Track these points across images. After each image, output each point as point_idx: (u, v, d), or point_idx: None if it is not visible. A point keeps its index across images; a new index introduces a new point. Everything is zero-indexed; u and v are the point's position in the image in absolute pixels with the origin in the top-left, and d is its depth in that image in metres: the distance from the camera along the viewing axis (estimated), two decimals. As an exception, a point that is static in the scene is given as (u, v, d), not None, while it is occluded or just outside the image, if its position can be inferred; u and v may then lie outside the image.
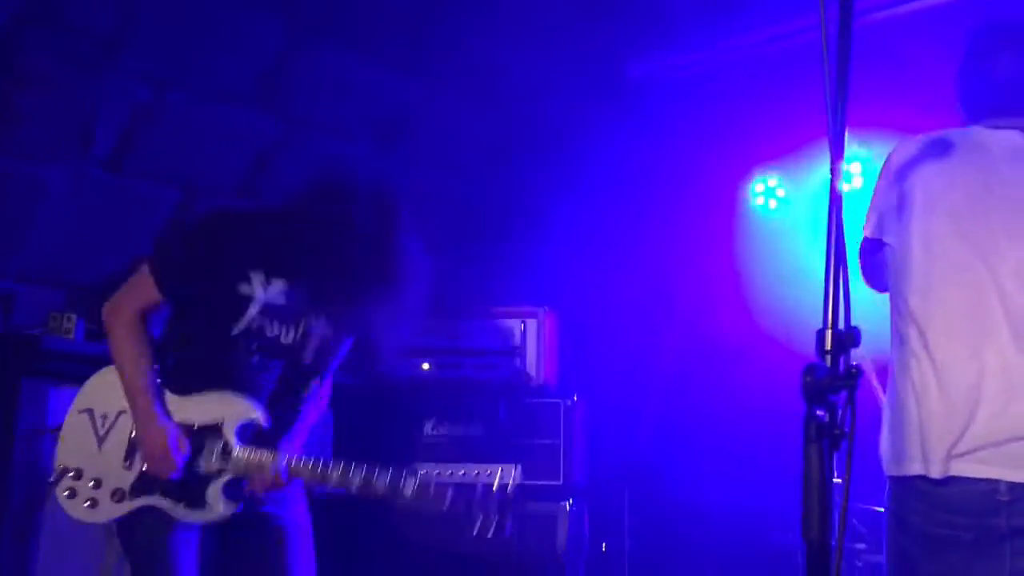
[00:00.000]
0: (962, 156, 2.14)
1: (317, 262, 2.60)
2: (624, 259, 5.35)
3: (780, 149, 5.03)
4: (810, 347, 1.44)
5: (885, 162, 2.21)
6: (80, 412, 2.64)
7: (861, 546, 3.96)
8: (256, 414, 2.58)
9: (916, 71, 3.95)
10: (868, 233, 2.20)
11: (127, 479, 2.55)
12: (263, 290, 2.58)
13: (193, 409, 2.57)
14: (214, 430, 2.56)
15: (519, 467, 2.56)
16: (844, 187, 1.50)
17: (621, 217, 5.34)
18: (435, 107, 5.08)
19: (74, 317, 3.93)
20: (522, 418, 4.47)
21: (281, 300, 2.61)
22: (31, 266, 4.19)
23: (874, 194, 2.21)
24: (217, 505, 2.53)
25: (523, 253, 5.26)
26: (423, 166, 5.17)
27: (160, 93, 4.22)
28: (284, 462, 2.54)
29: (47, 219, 4.15)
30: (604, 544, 4.76)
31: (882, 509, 2.16)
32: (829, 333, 1.43)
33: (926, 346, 2.06)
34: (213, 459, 2.54)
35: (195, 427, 2.56)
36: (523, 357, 4.57)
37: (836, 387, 1.40)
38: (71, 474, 2.57)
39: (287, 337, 2.63)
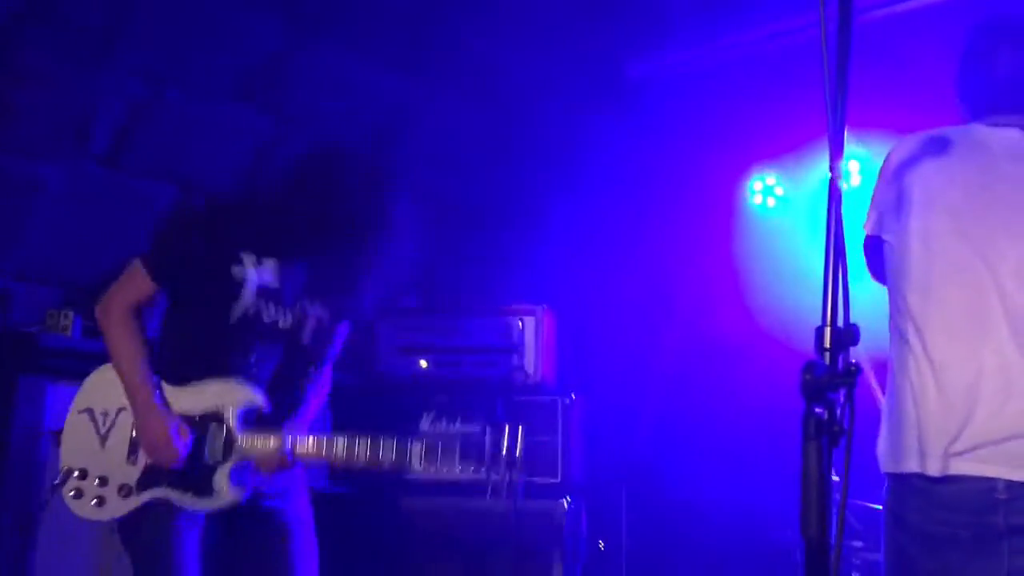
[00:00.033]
0: (962, 154, 2.14)
1: (306, 237, 2.62)
2: (623, 257, 5.35)
3: (779, 147, 5.02)
4: (809, 345, 1.44)
5: (885, 160, 2.21)
6: (80, 412, 2.65)
7: (859, 544, 3.95)
8: (257, 399, 2.59)
9: (916, 69, 3.94)
10: (868, 231, 2.20)
11: (133, 474, 2.56)
12: (255, 271, 2.60)
13: (193, 399, 2.59)
14: (216, 418, 2.57)
15: (523, 428, 2.55)
16: (843, 185, 1.49)
17: (620, 215, 5.34)
18: (435, 106, 5.07)
19: (71, 314, 3.92)
20: (520, 416, 4.46)
21: (275, 282, 2.62)
22: (28, 263, 4.18)
23: (874, 192, 2.21)
24: (225, 491, 2.54)
25: (521, 251, 5.26)
26: (423, 165, 5.17)
27: (158, 90, 4.21)
28: (289, 442, 2.55)
29: (44, 216, 4.14)
30: (602, 542, 4.76)
31: (880, 507, 2.16)
32: (828, 330, 1.43)
33: (924, 345, 2.06)
34: (217, 446, 2.55)
35: (197, 416, 2.58)
36: (521, 355, 4.56)
37: (835, 384, 1.40)
38: (76, 474, 2.58)
39: (285, 322, 2.66)
